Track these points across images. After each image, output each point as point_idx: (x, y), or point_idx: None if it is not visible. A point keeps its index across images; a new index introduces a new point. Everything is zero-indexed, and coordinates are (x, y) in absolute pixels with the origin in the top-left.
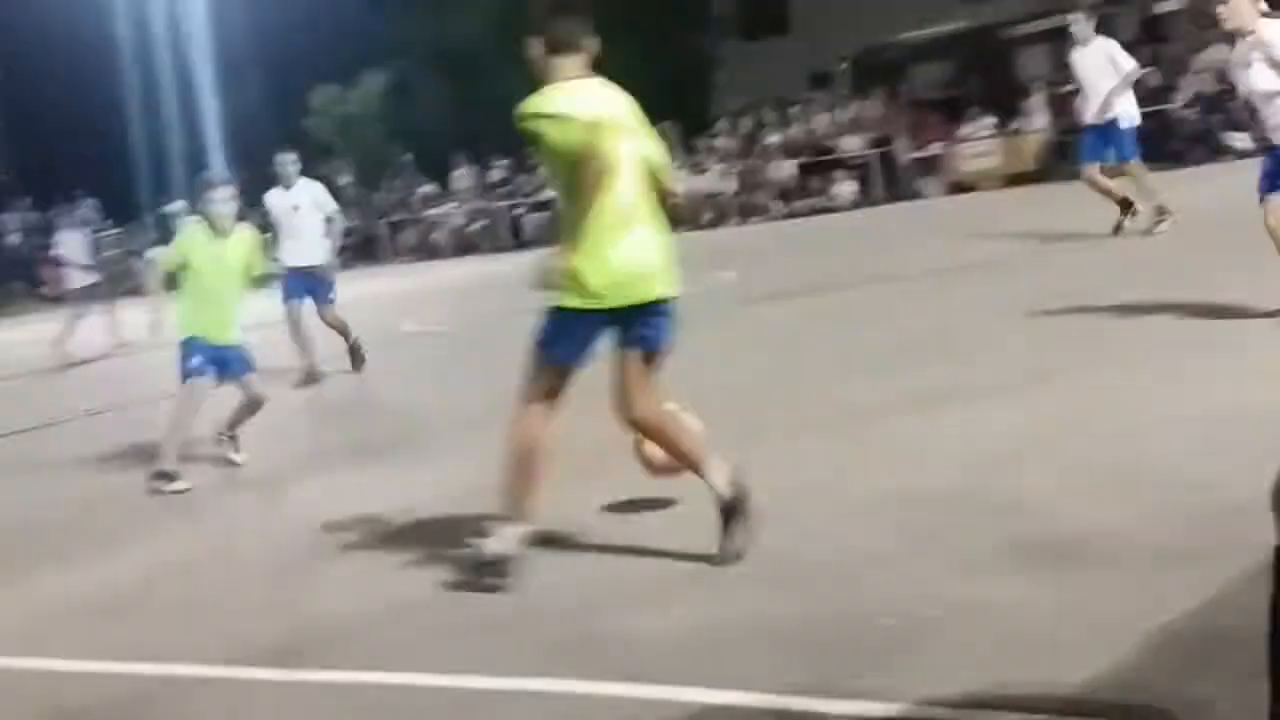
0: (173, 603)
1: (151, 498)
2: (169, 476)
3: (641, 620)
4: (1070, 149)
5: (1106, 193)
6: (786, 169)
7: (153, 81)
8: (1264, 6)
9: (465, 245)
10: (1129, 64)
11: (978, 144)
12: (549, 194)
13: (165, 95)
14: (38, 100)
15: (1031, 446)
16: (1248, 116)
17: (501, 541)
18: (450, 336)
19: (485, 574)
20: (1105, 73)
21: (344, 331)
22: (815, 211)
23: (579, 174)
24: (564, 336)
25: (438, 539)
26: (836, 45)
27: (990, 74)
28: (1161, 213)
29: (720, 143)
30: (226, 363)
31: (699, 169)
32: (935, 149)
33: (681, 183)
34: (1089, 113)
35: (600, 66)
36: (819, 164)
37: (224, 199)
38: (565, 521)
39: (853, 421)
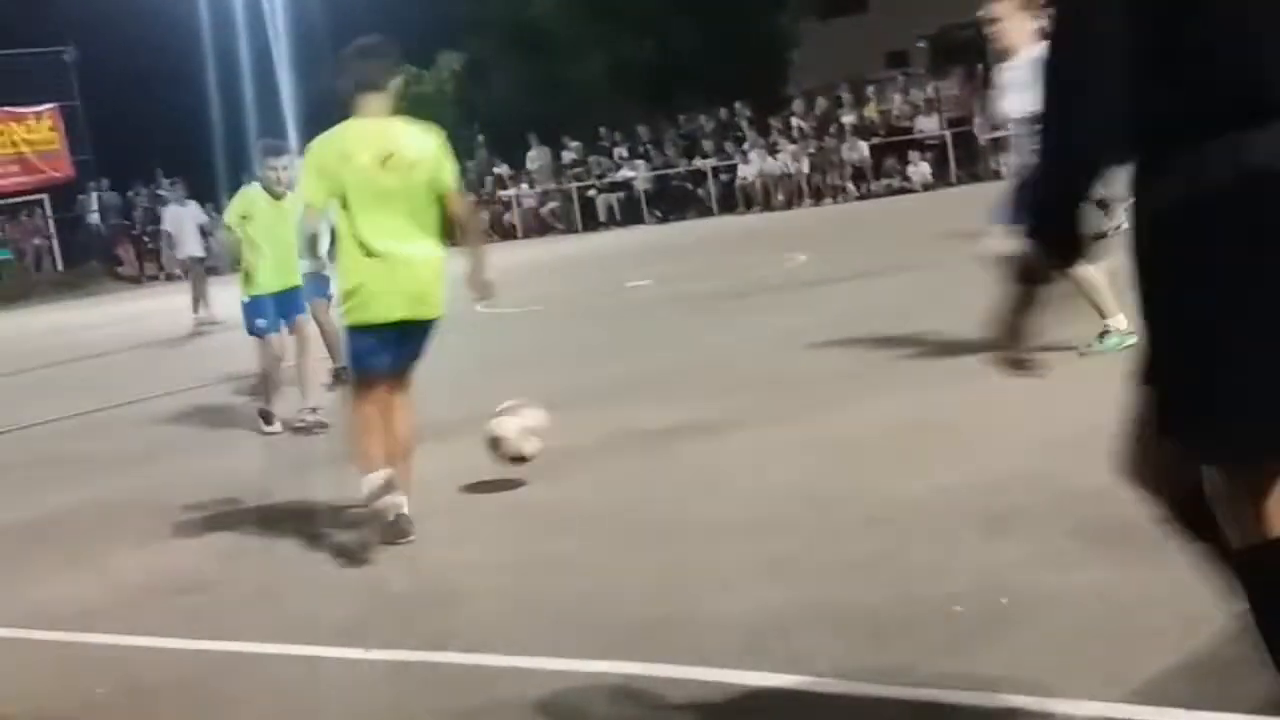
0: (247, 581)
1: (224, 479)
2: (266, 418)
3: (710, 605)
4: None
5: None
6: (861, 149)
7: (230, 62)
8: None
9: (538, 226)
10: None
11: None
12: (622, 175)
13: (243, 76)
14: (116, 81)
15: (1109, 430)
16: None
17: (370, 486)
18: (524, 316)
19: (387, 525)
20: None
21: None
22: (890, 193)
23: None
24: (359, 348)
25: (508, 521)
26: (914, 24)
27: None
28: None
29: (794, 122)
30: (289, 306)
31: (771, 149)
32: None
33: (469, 211)
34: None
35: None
36: (894, 144)
37: (283, 166)
38: (633, 507)
39: (921, 407)
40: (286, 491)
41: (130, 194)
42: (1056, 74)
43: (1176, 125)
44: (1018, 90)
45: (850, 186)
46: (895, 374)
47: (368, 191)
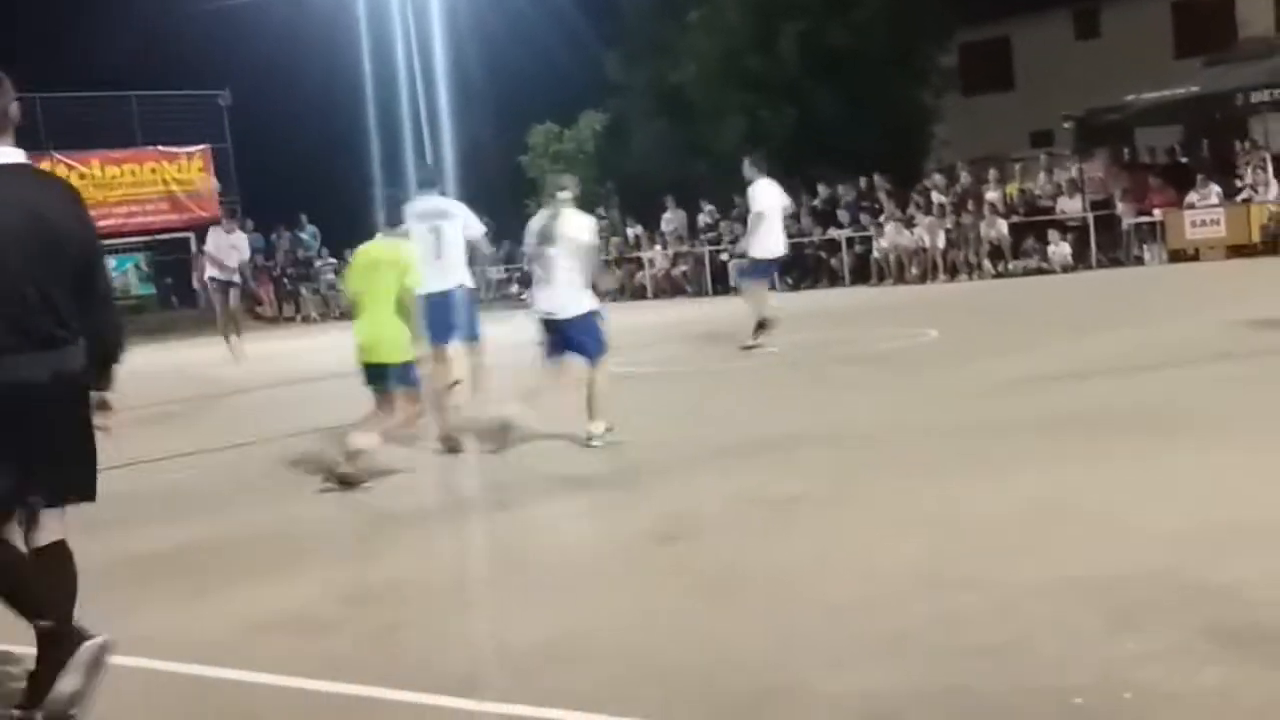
0: (367, 624)
1: (351, 520)
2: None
3: (822, 682)
4: None
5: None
6: (1000, 227)
7: (385, 111)
8: None
9: (669, 287)
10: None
11: (1203, 212)
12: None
13: (393, 128)
14: (266, 125)
15: (1247, 530)
16: None
17: None
18: (648, 378)
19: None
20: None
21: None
22: (1028, 273)
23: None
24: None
25: (630, 579)
26: (1060, 104)
27: (1220, 141)
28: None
29: (934, 197)
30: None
31: (908, 222)
32: (1157, 215)
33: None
34: (760, 246)
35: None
36: (1034, 224)
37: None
38: (750, 574)
39: (1048, 490)
40: (407, 537)
41: (273, 236)
42: None
43: None
44: None
45: (987, 264)
46: (1023, 455)
47: None
